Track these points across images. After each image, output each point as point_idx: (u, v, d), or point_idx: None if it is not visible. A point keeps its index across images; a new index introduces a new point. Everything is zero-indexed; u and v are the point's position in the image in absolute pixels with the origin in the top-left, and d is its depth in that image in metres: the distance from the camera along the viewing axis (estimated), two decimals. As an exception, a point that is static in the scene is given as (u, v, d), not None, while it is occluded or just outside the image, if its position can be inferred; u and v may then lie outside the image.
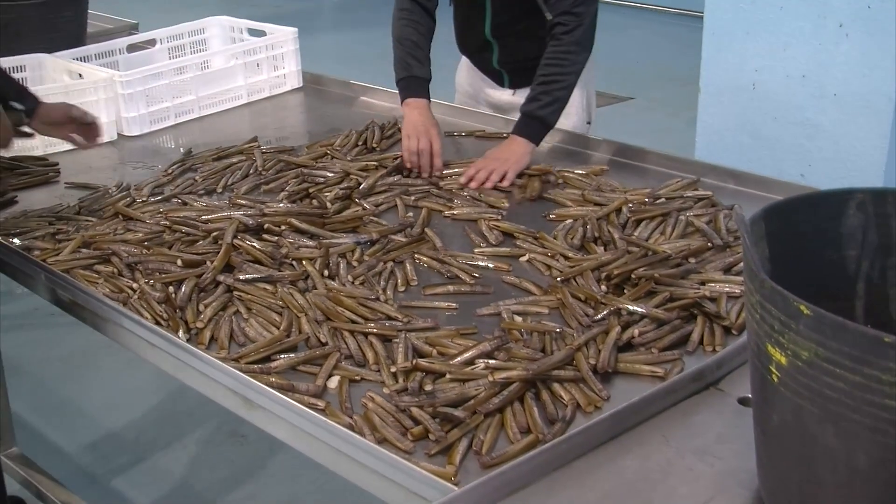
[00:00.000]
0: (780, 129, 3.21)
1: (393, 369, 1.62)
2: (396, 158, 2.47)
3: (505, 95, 2.80)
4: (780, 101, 3.18)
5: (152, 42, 3.30)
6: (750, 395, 1.28)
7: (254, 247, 2.03)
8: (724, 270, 1.89)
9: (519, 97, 2.75)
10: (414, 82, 2.55)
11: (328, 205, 2.22)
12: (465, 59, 2.89)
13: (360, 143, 2.65)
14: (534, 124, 2.43)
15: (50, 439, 3.33)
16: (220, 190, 2.42)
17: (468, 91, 2.91)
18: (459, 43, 2.84)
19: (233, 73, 3.12)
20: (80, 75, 2.91)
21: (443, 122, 2.68)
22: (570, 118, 2.69)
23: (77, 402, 3.55)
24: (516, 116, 2.50)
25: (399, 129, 2.78)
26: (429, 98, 2.56)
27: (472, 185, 2.34)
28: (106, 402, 3.56)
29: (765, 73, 3.19)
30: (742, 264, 1.79)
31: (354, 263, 2.00)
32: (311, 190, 2.32)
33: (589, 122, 2.79)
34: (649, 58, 7.53)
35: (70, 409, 3.50)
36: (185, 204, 2.33)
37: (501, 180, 2.35)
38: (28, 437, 3.26)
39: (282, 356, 1.68)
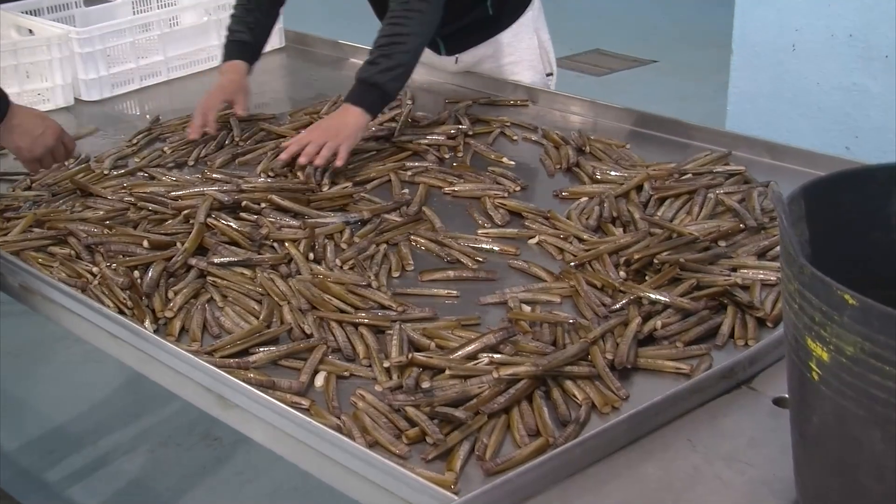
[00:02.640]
0: (823, 95, 3.21)
1: (386, 364, 1.62)
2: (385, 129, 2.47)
3: (449, 64, 2.81)
4: (823, 64, 3.18)
5: (114, -6, 3.29)
6: (787, 395, 1.29)
7: (230, 226, 2.03)
8: (758, 255, 1.89)
9: (464, 65, 2.79)
10: (231, 48, 2.64)
11: (320, 184, 2.23)
12: None
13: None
14: (371, 92, 2.34)
15: (-4, 441, 3.34)
16: (191, 163, 2.43)
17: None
18: (374, 11, 2.77)
19: (205, 30, 3.12)
20: (31, 31, 2.91)
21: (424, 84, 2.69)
22: (525, 72, 2.74)
23: (28, 400, 3.56)
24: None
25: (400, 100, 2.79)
26: (248, 61, 2.63)
27: (301, 160, 2.27)
28: (61, 401, 3.56)
29: (806, 31, 3.19)
30: (778, 248, 1.80)
31: (343, 246, 2.00)
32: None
33: (550, 74, 2.80)
34: (674, 15, 7.51)
35: (20, 408, 3.51)
36: (151, 178, 2.34)
37: (334, 157, 2.28)
38: (-29, 439, 3.27)
39: (261, 349, 1.68)
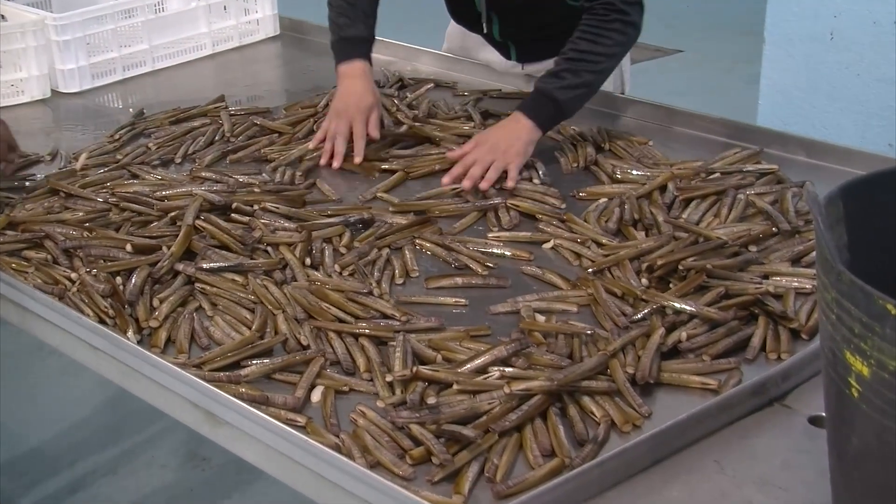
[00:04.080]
0: (864, 87, 3.20)
1: (389, 378, 1.62)
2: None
3: (511, 68, 2.79)
4: (864, 54, 3.18)
5: (95, -22, 3.31)
6: (823, 414, 1.29)
7: (220, 229, 2.04)
8: (792, 261, 1.90)
9: (529, 73, 2.74)
10: (345, 45, 2.52)
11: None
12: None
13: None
14: (547, 106, 2.30)
15: (-36, 462, 3.34)
16: (178, 160, 2.43)
17: (462, 48, 2.90)
18: (449, 9, 2.79)
19: (193, 17, 3.13)
20: (3, 17, 2.92)
21: (432, 75, 2.70)
22: None
23: (1, 417, 3.56)
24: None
25: (402, 83, 2.79)
26: (367, 59, 2.52)
27: (465, 184, 2.20)
28: (35, 419, 3.57)
29: (846, 18, 3.19)
30: (814, 254, 1.80)
31: (342, 250, 2.01)
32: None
33: (622, 93, 2.76)
34: (701, 1, 7.52)
35: (-9, 426, 3.52)
36: (135, 176, 2.34)
37: (503, 179, 2.21)
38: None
39: (254, 362, 1.69)
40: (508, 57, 2.76)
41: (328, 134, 2.41)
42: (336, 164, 2.37)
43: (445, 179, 2.24)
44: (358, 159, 2.36)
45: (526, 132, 2.28)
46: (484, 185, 2.20)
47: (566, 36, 2.56)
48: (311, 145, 2.42)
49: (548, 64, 2.68)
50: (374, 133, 2.42)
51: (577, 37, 2.33)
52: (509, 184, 2.20)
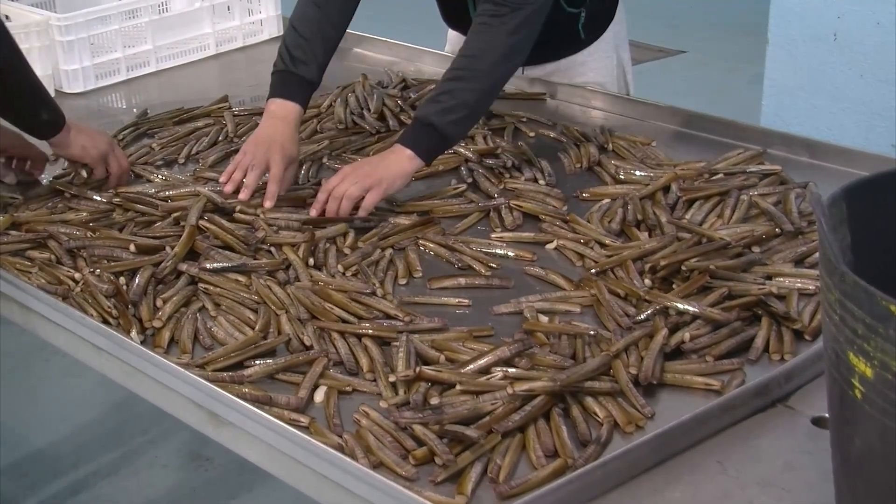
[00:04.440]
0: (867, 88, 3.20)
1: (392, 379, 1.63)
2: None
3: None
4: (867, 54, 3.18)
5: (98, -22, 3.31)
6: (826, 415, 1.29)
7: (224, 229, 2.04)
8: (795, 262, 1.90)
9: (516, 79, 2.73)
10: (290, 80, 2.30)
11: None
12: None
13: (352, 105, 2.64)
14: (426, 133, 2.14)
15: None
16: (182, 160, 2.44)
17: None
18: (443, 15, 2.77)
19: (197, 17, 3.13)
20: (7, 17, 2.92)
21: (435, 76, 2.70)
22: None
23: (2, 417, 3.56)
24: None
25: (405, 84, 2.78)
26: (304, 107, 2.32)
27: (313, 212, 2.09)
28: (38, 418, 3.57)
29: (849, 19, 3.19)
30: (817, 255, 1.80)
31: (346, 250, 2.01)
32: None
33: (627, 94, 2.76)
34: (704, 1, 7.52)
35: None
36: (139, 177, 2.35)
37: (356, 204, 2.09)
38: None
39: (257, 362, 1.69)
40: None
41: (240, 164, 2.21)
42: (244, 195, 2.15)
43: (312, 212, 2.10)
44: (268, 204, 2.13)
45: (400, 163, 2.13)
46: (344, 206, 2.08)
47: (563, 40, 2.57)
48: (222, 179, 2.21)
49: (548, 67, 2.69)
50: (284, 186, 2.20)
51: (460, 55, 2.19)
52: (361, 212, 2.09)
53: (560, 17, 2.47)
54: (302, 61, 2.29)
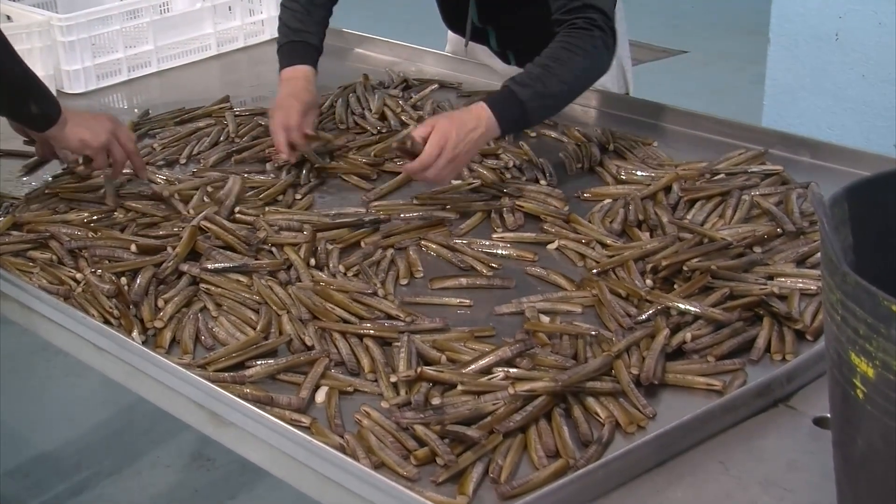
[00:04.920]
0: (869, 88, 3.20)
1: (393, 379, 1.63)
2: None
3: (516, 71, 2.77)
4: (869, 54, 3.17)
5: (100, -22, 3.31)
6: (828, 415, 1.29)
7: (225, 230, 2.04)
8: (796, 262, 1.90)
9: None
10: (295, 48, 2.46)
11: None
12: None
13: (352, 105, 2.65)
14: (514, 107, 2.15)
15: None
16: (183, 160, 2.44)
17: (465, 50, 2.89)
18: (443, 17, 2.78)
19: (199, 17, 3.13)
20: (9, 17, 2.92)
21: (437, 76, 2.70)
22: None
23: (3, 418, 3.57)
24: None
25: (406, 84, 2.79)
26: (314, 67, 2.45)
27: (429, 175, 2.08)
28: (40, 419, 3.58)
29: (851, 19, 3.18)
30: (819, 255, 1.79)
31: (363, 244, 2.02)
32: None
33: (627, 93, 2.76)
34: (706, 1, 7.52)
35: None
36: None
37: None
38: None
39: (258, 362, 1.69)
40: (508, 62, 2.76)
41: (272, 130, 2.34)
42: (284, 156, 2.30)
43: (412, 166, 2.08)
44: (283, 156, 2.29)
45: (487, 132, 2.13)
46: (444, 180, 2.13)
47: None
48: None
49: None
50: (307, 130, 2.32)
51: (559, 46, 2.21)
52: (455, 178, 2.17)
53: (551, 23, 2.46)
54: (302, 30, 2.44)
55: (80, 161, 2.23)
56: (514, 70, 2.74)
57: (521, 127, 2.27)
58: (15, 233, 2.09)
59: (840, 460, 1.24)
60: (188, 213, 2.11)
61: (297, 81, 2.40)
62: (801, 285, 1.81)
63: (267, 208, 2.15)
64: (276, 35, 3.06)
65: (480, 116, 2.13)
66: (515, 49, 2.69)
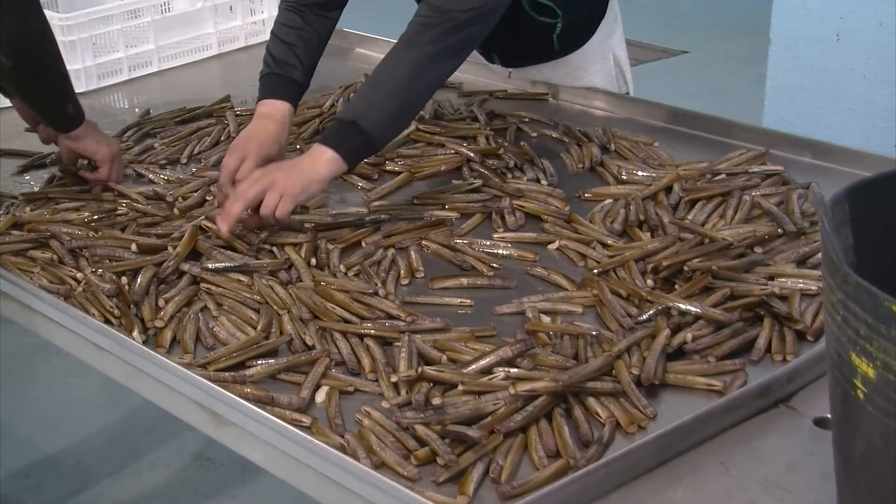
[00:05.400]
0: (870, 89, 3.20)
1: (394, 379, 1.63)
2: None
3: (500, 71, 2.77)
4: (870, 55, 3.18)
5: (100, -22, 3.31)
6: (829, 416, 1.29)
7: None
8: (797, 263, 1.90)
9: (518, 80, 2.73)
10: (277, 81, 2.26)
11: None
12: None
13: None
14: (351, 133, 2.01)
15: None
16: (184, 160, 2.44)
17: None
18: None
19: (200, 17, 3.13)
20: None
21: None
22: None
23: (3, 418, 3.56)
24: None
25: None
26: (291, 102, 2.25)
27: (224, 224, 1.96)
28: (40, 419, 3.57)
29: (852, 19, 3.19)
30: (820, 255, 1.80)
31: (364, 244, 2.02)
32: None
33: (627, 93, 2.76)
34: (706, 1, 7.51)
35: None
36: (141, 176, 2.35)
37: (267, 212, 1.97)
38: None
39: (259, 362, 1.69)
40: (492, 62, 2.75)
41: (222, 168, 2.13)
42: (222, 229, 2.00)
43: (222, 226, 1.97)
44: (224, 227, 1.99)
45: (323, 162, 1.99)
46: (250, 222, 2.01)
47: (535, 51, 2.55)
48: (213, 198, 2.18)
49: (532, 70, 2.68)
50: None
51: (391, 54, 2.08)
52: (278, 214, 1.97)
53: (533, 27, 2.46)
54: (287, 64, 2.26)
55: (86, 162, 2.29)
56: (501, 69, 2.75)
57: (373, 149, 2.09)
58: (15, 232, 2.09)
59: (840, 461, 1.24)
60: (191, 214, 2.12)
61: (266, 122, 2.20)
62: (801, 286, 1.81)
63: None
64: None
65: (313, 155, 2.01)
66: (497, 48, 2.68)
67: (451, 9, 2.03)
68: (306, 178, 1.99)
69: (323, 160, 2.00)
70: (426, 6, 2.06)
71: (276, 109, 2.23)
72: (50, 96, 2.21)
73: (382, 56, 1.99)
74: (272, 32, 2.35)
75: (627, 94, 2.73)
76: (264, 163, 2.12)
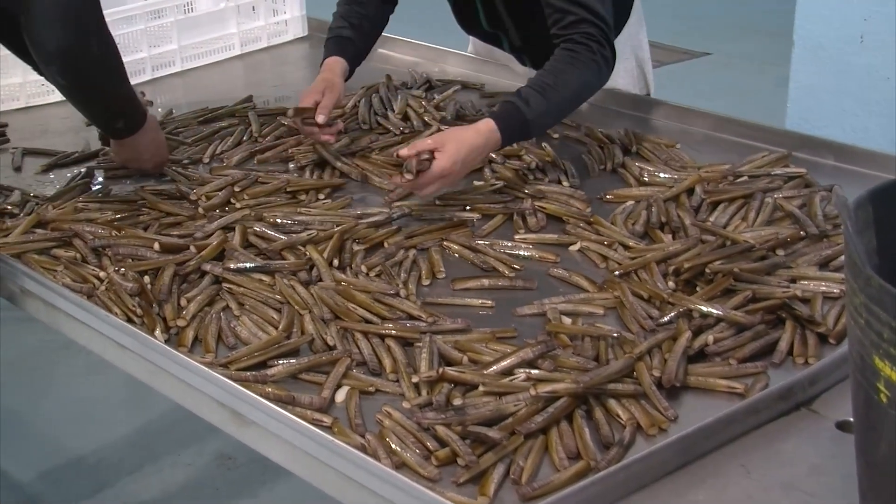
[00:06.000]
0: (894, 91, 3.19)
1: (415, 379, 1.63)
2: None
3: (529, 73, 2.78)
4: (894, 57, 3.16)
5: (124, -22, 3.32)
6: (851, 419, 1.29)
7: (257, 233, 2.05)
8: (819, 265, 1.89)
9: None
10: (337, 42, 2.55)
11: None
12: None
13: (375, 106, 2.65)
14: (518, 123, 2.17)
15: (-8, 461, 3.37)
16: (206, 159, 2.45)
17: (487, 50, 2.89)
18: (457, 20, 2.77)
19: (223, 17, 3.14)
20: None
21: (459, 77, 2.70)
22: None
23: (26, 416, 3.59)
24: None
25: (429, 84, 2.79)
26: (349, 62, 2.53)
27: (424, 192, 2.11)
28: (62, 417, 3.59)
29: (875, 21, 3.17)
30: (842, 258, 1.79)
31: (387, 244, 2.03)
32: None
33: (648, 94, 2.76)
34: (728, 2, 7.49)
35: (17, 424, 3.53)
36: (163, 176, 2.36)
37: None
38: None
39: (280, 362, 1.70)
40: (524, 63, 2.76)
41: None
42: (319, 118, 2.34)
43: (400, 178, 2.08)
44: (320, 118, 2.34)
45: (488, 148, 2.16)
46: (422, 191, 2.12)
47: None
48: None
49: None
50: (320, 118, 2.35)
51: (559, 61, 2.23)
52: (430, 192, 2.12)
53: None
54: (346, 29, 2.55)
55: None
56: (531, 72, 2.74)
57: (519, 141, 2.28)
58: (39, 231, 2.10)
59: (863, 465, 1.23)
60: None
61: (326, 73, 2.47)
62: (824, 288, 1.81)
63: (299, 209, 2.16)
64: (300, 35, 3.13)
65: (483, 132, 2.14)
66: (529, 53, 2.69)
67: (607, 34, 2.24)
68: (471, 168, 2.17)
69: (492, 143, 2.15)
70: (592, 25, 2.22)
71: (334, 63, 2.50)
72: (96, 113, 2.28)
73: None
74: (335, 13, 2.63)
75: (649, 95, 2.73)
76: (333, 100, 2.39)
